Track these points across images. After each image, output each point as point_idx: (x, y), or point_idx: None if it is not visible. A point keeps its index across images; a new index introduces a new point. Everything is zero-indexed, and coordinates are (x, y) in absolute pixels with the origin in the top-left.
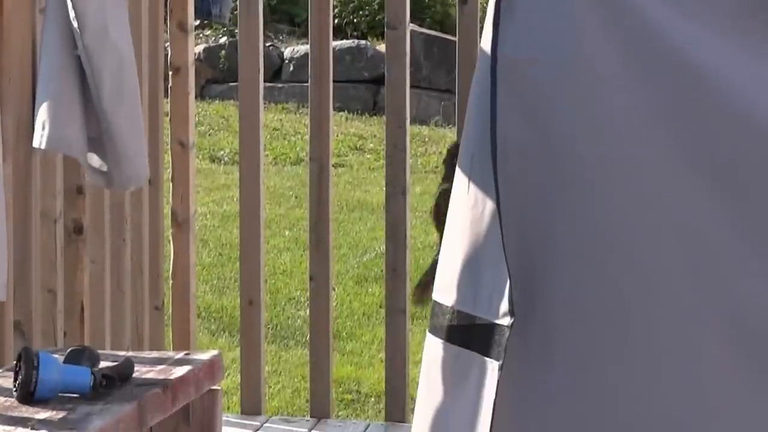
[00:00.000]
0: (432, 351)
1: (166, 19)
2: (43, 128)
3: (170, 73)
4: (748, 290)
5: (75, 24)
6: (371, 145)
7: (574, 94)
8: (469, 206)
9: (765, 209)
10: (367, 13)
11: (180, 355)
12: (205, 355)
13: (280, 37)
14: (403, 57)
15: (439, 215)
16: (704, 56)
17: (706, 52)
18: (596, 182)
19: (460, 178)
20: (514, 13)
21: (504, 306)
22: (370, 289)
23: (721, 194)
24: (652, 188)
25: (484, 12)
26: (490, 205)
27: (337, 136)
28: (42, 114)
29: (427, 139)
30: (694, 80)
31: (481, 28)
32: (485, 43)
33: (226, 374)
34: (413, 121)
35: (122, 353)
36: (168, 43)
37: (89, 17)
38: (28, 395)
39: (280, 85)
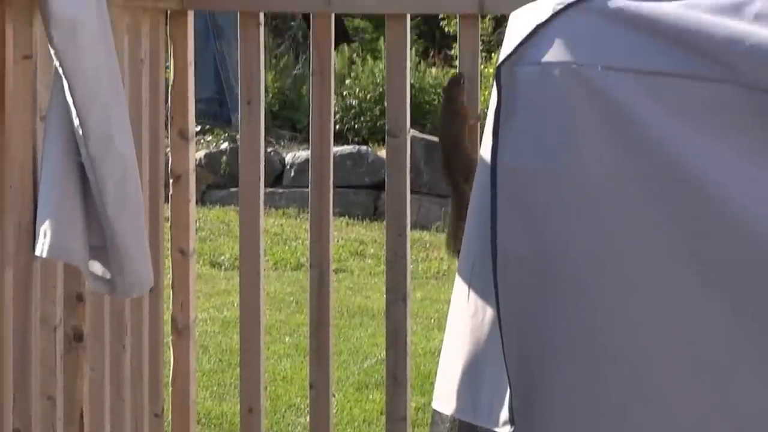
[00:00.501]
0: None
1: (167, 127)
2: (45, 236)
3: (171, 180)
4: (750, 397)
5: (80, 132)
6: (372, 250)
7: (573, 203)
8: (469, 314)
9: (764, 315)
10: (368, 118)
11: None
12: None
13: (282, 143)
14: (404, 165)
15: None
16: (703, 164)
17: (705, 160)
18: (594, 291)
19: (459, 286)
20: (514, 122)
21: (504, 414)
22: (371, 396)
23: (721, 301)
24: (650, 296)
25: (485, 118)
26: (490, 312)
27: (338, 241)
28: (44, 222)
29: (428, 245)
30: (693, 188)
31: (481, 134)
32: (485, 150)
33: None
34: (414, 227)
35: None
36: (169, 150)
37: (94, 126)
38: None
39: (281, 190)
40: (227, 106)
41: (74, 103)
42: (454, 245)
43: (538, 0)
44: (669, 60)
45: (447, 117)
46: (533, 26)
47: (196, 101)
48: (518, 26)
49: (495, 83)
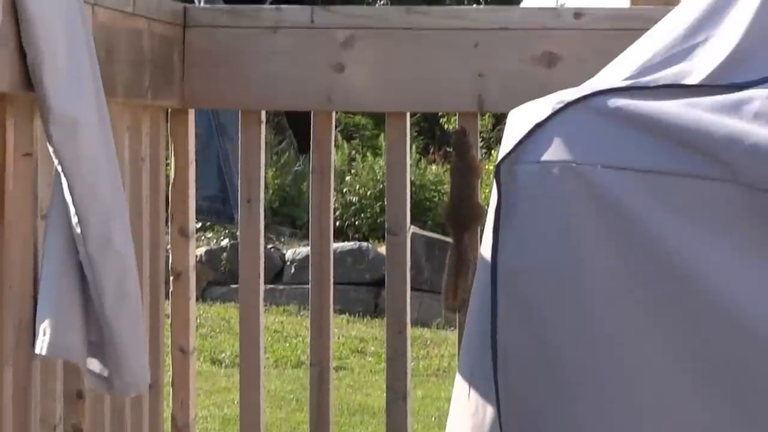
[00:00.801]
0: None
1: (167, 224)
2: (45, 334)
3: (171, 277)
4: None
5: (78, 230)
6: (372, 347)
7: (573, 302)
8: (470, 412)
9: (765, 414)
10: (368, 215)
11: None
12: None
13: (282, 239)
14: (404, 263)
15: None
16: (703, 263)
17: (705, 259)
18: (593, 391)
19: (460, 383)
20: (514, 220)
21: None
22: None
23: (721, 402)
24: (650, 396)
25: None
26: (490, 411)
27: (339, 338)
28: (43, 320)
29: (428, 342)
30: (693, 287)
31: (482, 232)
32: (485, 249)
33: None
34: (415, 324)
35: None
36: (169, 247)
37: (93, 224)
38: None
39: (281, 287)
40: (230, 204)
41: (73, 201)
42: (451, 301)
43: (537, 99)
44: (668, 158)
45: (458, 170)
46: (532, 125)
47: (200, 199)
48: (517, 124)
49: (494, 181)
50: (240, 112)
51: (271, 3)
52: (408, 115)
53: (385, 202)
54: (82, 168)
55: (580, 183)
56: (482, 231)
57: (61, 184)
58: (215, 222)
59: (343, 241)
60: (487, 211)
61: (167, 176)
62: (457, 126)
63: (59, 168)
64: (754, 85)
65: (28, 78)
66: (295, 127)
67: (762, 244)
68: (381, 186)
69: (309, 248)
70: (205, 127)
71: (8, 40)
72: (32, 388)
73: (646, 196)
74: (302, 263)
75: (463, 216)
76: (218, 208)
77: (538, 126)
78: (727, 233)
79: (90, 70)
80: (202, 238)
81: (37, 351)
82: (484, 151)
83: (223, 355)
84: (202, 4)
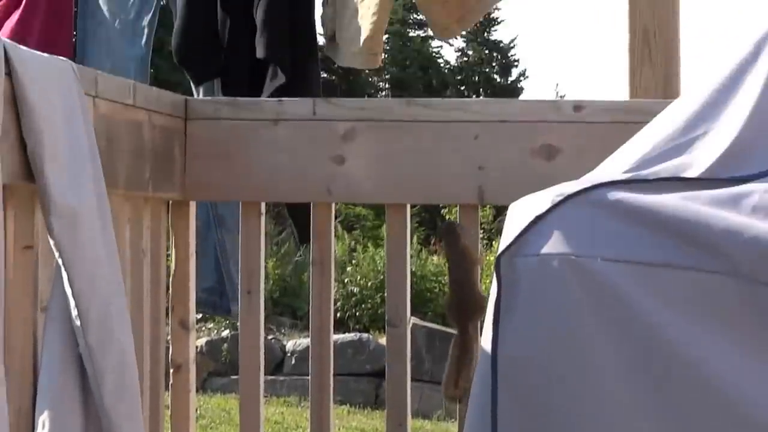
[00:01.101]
0: None
1: (167, 316)
2: (44, 427)
3: (171, 370)
4: None
5: (78, 323)
6: None
7: (573, 394)
8: None
9: None
10: (369, 306)
11: None
12: None
13: (283, 330)
14: (404, 354)
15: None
16: (702, 355)
17: (704, 351)
18: None
19: None
20: (514, 313)
21: None
22: None
23: None
24: None
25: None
26: None
27: (339, 430)
28: (43, 412)
29: None
30: (692, 379)
31: (482, 325)
32: (485, 342)
33: None
34: (415, 415)
35: None
36: (169, 338)
37: (93, 317)
38: None
39: (281, 378)
40: (227, 296)
41: (73, 293)
42: (452, 391)
43: (537, 191)
44: (668, 251)
45: (454, 262)
46: (532, 217)
47: (197, 291)
48: (518, 217)
49: (495, 273)
50: (240, 204)
51: (272, 95)
52: (408, 206)
53: (386, 294)
54: (83, 260)
55: (579, 275)
56: (482, 323)
57: (61, 275)
58: (212, 314)
59: (344, 332)
60: (488, 301)
61: (168, 268)
62: (457, 217)
63: (59, 260)
64: (753, 178)
65: (29, 168)
66: (295, 218)
67: (762, 337)
68: (382, 277)
69: (309, 339)
70: (203, 218)
71: (8, 130)
72: None
73: (645, 288)
74: (303, 354)
75: (465, 307)
76: (215, 301)
77: (538, 219)
78: (726, 325)
79: (91, 161)
80: (203, 328)
81: None
82: (485, 242)
83: None
84: (200, 95)
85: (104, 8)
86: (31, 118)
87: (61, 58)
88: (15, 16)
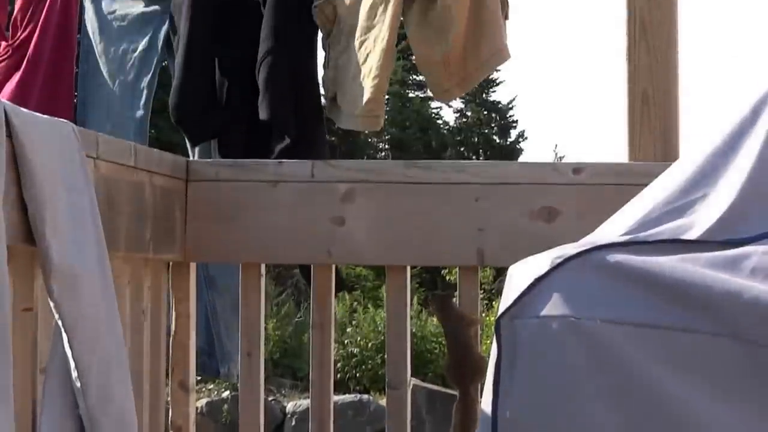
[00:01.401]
0: None
1: (167, 378)
2: None
3: (171, 431)
4: None
5: (77, 384)
6: None
7: None
8: None
9: None
10: (369, 367)
11: None
12: None
13: (283, 391)
14: (404, 416)
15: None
16: (702, 420)
17: (704, 414)
18: None
19: None
20: (514, 375)
21: None
22: None
23: None
24: None
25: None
26: None
27: None
28: None
29: None
30: None
31: (482, 389)
32: (485, 404)
33: None
34: None
35: None
36: (169, 400)
37: (93, 379)
38: None
39: None
40: (216, 358)
41: (73, 355)
42: None
43: (537, 253)
44: (667, 313)
45: (449, 328)
46: (532, 279)
47: None
48: (518, 279)
49: (495, 335)
50: (240, 265)
51: (278, 157)
52: (408, 268)
53: (386, 355)
54: (83, 322)
55: (579, 337)
56: (483, 385)
57: (60, 337)
58: (200, 375)
59: (344, 393)
60: (488, 362)
61: (168, 329)
62: (457, 278)
63: (59, 322)
64: (751, 241)
65: (29, 231)
66: (306, 276)
67: (762, 400)
68: (382, 337)
69: (310, 401)
70: None
71: (9, 192)
72: None
73: (645, 350)
74: (303, 416)
75: (465, 370)
76: (204, 362)
77: (538, 281)
78: (727, 388)
79: (92, 223)
80: (203, 389)
81: None
82: (485, 303)
83: None
84: (197, 156)
85: (104, 70)
86: (32, 180)
87: (62, 120)
88: (15, 78)
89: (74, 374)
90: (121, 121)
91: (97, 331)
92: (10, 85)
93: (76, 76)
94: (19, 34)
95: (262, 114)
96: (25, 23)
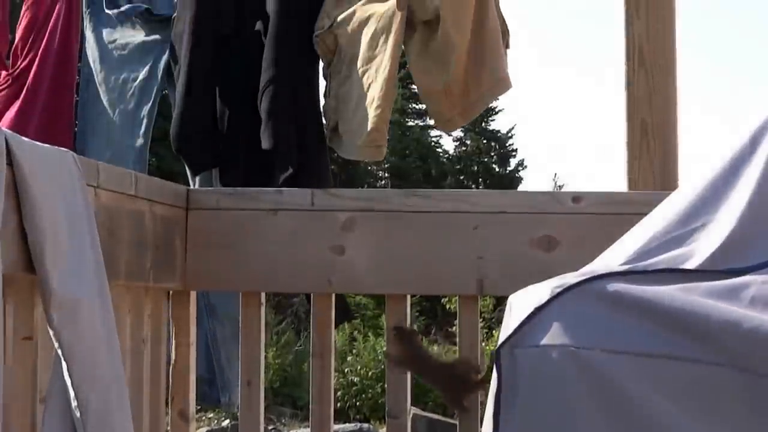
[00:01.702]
0: None
1: (167, 406)
2: None
3: None
4: None
5: (77, 414)
6: None
7: None
8: None
9: None
10: (369, 396)
11: None
12: None
13: (283, 420)
14: None
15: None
16: None
17: None
18: None
19: None
20: (514, 404)
21: None
22: None
23: None
24: None
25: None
26: None
27: None
28: None
29: None
30: None
31: (482, 414)
32: None
33: None
34: None
35: None
36: (169, 429)
37: (92, 407)
38: None
39: None
40: (217, 386)
41: (72, 384)
42: None
43: (536, 282)
44: (667, 343)
45: (417, 364)
46: (532, 308)
47: None
48: (518, 308)
49: (495, 365)
50: (240, 294)
51: (282, 186)
52: (408, 297)
53: (386, 384)
54: (82, 351)
55: (579, 366)
56: (483, 407)
57: (60, 366)
58: (201, 404)
59: (344, 422)
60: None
61: (168, 358)
62: (457, 307)
63: (59, 351)
64: (750, 270)
65: (29, 259)
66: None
67: (761, 428)
68: (383, 366)
69: (310, 430)
70: None
71: (9, 220)
72: None
73: (645, 379)
74: None
75: (455, 389)
76: (204, 391)
77: (538, 310)
78: (726, 417)
79: (92, 251)
80: (203, 418)
81: None
82: (485, 332)
83: None
84: (197, 184)
85: (104, 98)
86: (32, 209)
87: (63, 149)
88: (15, 107)
89: (74, 403)
90: (121, 150)
91: (96, 360)
92: (10, 114)
93: (76, 104)
94: (19, 63)
95: (265, 143)
96: (25, 52)
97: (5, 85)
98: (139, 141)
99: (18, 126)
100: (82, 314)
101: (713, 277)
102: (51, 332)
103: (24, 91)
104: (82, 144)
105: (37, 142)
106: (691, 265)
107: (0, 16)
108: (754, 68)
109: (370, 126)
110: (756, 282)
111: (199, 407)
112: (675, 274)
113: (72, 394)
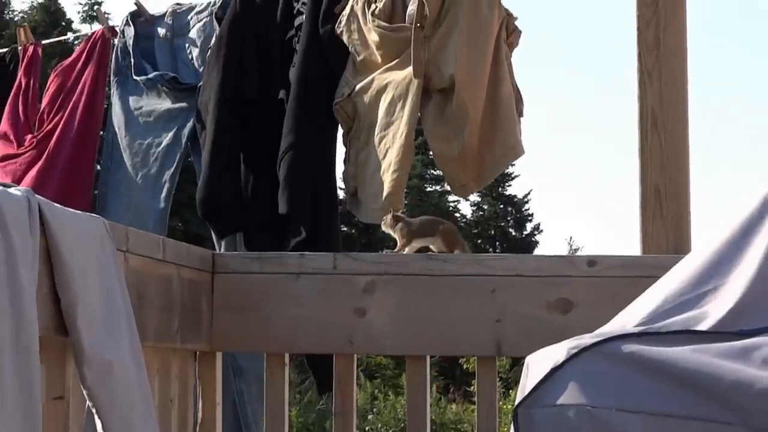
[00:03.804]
0: None
1: None
2: None
3: None
4: None
5: None
6: None
7: None
8: None
9: None
10: None
11: None
12: None
13: None
14: None
15: None
16: None
17: None
18: None
19: None
20: None
21: None
22: None
23: None
24: None
25: None
26: None
27: None
28: None
29: None
30: None
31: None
32: None
33: None
34: None
35: None
36: None
37: None
38: None
39: None
40: None
41: None
42: None
43: (553, 344)
44: (680, 403)
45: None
46: (549, 369)
47: None
48: (534, 369)
49: (513, 424)
50: (265, 355)
51: (293, 249)
52: (428, 357)
53: None
54: (117, 410)
55: (596, 426)
56: None
57: (93, 425)
58: None
59: None
60: None
61: (195, 417)
62: (475, 367)
63: (93, 410)
64: (763, 332)
65: (61, 322)
66: (315, 368)
67: None
68: (403, 424)
69: None
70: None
71: (42, 285)
72: None
73: None
74: None
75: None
76: None
77: (555, 370)
78: None
79: (125, 314)
80: None
81: None
82: (502, 390)
83: None
84: (223, 248)
85: (128, 163)
86: (64, 273)
87: (93, 215)
88: (35, 168)
89: None
90: (142, 213)
91: (131, 421)
92: (31, 174)
93: (98, 168)
94: (44, 126)
95: (282, 208)
96: (51, 116)
97: (29, 147)
98: (161, 204)
99: (37, 186)
100: (115, 373)
101: (725, 339)
102: (85, 392)
103: (46, 153)
104: (102, 206)
105: (69, 209)
106: (703, 326)
107: (32, 85)
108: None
109: (387, 190)
110: (767, 343)
111: None
112: (688, 336)
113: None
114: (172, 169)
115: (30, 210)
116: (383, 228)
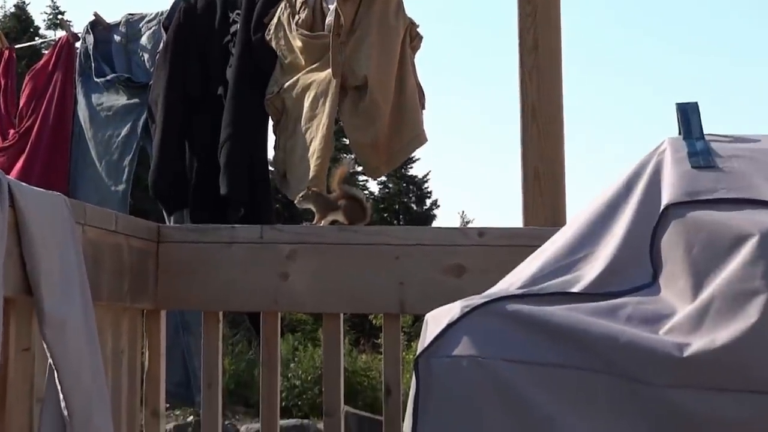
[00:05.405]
0: None
1: (141, 406)
2: None
3: None
4: None
5: (65, 412)
6: None
7: None
8: None
9: None
10: (309, 396)
11: None
12: None
13: (237, 416)
14: None
15: None
16: None
17: None
18: None
19: None
20: (429, 409)
21: None
22: None
23: None
24: None
25: (407, 398)
26: None
27: None
28: None
29: None
30: None
31: (404, 413)
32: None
33: None
34: None
35: None
36: (143, 424)
37: (77, 409)
38: None
39: None
40: (192, 389)
41: (62, 389)
42: None
43: (449, 303)
44: (555, 353)
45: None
46: (445, 324)
47: (168, 384)
48: (433, 324)
49: (414, 374)
50: (203, 313)
51: (236, 223)
52: (341, 315)
53: (322, 387)
54: (69, 361)
55: (484, 374)
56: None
57: (53, 375)
58: (181, 404)
59: (288, 418)
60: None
61: (142, 366)
62: (382, 323)
63: (51, 361)
64: (626, 293)
65: (28, 285)
66: (254, 324)
67: (638, 427)
68: (320, 372)
69: (260, 424)
70: (172, 324)
71: (12, 252)
72: None
73: (540, 385)
74: None
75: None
76: (183, 393)
77: (450, 326)
78: (610, 417)
79: (78, 278)
80: (171, 415)
81: None
82: (405, 343)
83: None
84: (171, 222)
85: (93, 152)
86: (30, 242)
87: (56, 193)
88: (20, 161)
89: (62, 404)
90: (107, 194)
91: (80, 370)
92: (18, 166)
93: (69, 157)
94: (24, 122)
95: (222, 189)
96: (28, 114)
97: (13, 141)
98: (122, 186)
99: (23, 176)
100: (69, 330)
101: (595, 299)
102: (44, 346)
103: (27, 147)
104: (74, 190)
105: (35, 187)
106: (576, 289)
107: (9, 84)
108: (633, 116)
109: (312, 173)
110: (631, 302)
111: (167, 405)
112: (563, 296)
113: (61, 396)
114: (131, 156)
115: (0, 188)
116: (303, 203)
